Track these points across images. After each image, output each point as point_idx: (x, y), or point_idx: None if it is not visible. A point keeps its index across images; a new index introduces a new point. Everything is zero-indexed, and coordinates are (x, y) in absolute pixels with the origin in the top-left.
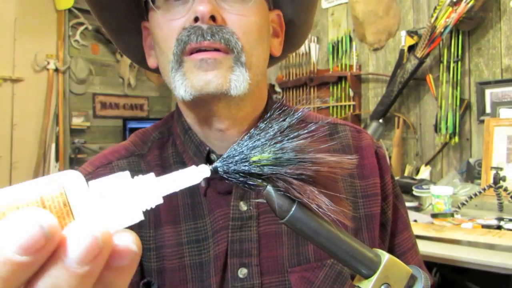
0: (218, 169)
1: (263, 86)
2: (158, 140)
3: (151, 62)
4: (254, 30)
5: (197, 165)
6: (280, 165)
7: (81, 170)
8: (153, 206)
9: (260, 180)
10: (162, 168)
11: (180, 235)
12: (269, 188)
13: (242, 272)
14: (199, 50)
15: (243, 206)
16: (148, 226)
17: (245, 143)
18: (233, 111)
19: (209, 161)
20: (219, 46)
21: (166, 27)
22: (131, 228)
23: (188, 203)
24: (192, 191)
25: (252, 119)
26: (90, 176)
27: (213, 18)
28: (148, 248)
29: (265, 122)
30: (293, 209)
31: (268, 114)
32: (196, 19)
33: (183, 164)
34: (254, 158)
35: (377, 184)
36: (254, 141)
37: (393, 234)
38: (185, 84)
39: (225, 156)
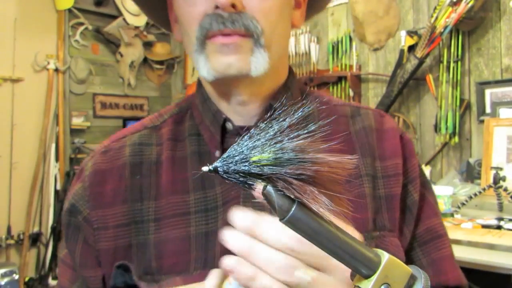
0: (218, 169)
1: (285, 60)
2: (177, 114)
3: (177, 35)
4: (274, 11)
5: (213, 136)
6: (280, 165)
7: (100, 145)
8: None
9: (260, 180)
10: (175, 142)
11: (187, 204)
12: (269, 188)
13: None
14: (220, 34)
15: None
16: (149, 198)
17: (245, 143)
18: (254, 87)
19: (224, 130)
20: (239, 32)
21: (188, 13)
22: (124, 201)
23: (197, 173)
24: (202, 160)
25: (271, 92)
26: (105, 149)
27: (233, 5)
28: (147, 220)
29: (265, 122)
30: (293, 209)
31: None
32: (217, 6)
33: (198, 136)
34: (254, 158)
35: (398, 165)
36: (254, 141)
37: (419, 219)
38: (207, 66)
39: (225, 156)
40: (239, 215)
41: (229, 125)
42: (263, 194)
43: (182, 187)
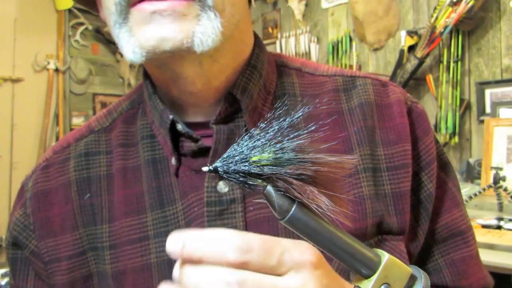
0: (218, 169)
1: (245, 27)
2: (127, 111)
3: (101, 13)
4: None
5: (164, 138)
6: (280, 165)
7: (42, 157)
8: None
9: (260, 180)
10: (126, 148)
11: (145, 227)
12: (269, 188)
13: None
14: None
15: (224, 187)
16: (101, 221)
17: (245, 143)
18: (206, 66)
19: (174, 133)
20: None
21: None
22: (75, 227)
23: (153, 187)
24: (158, 170)
25: (232, 71)
26: (46, 163)
27: None
28: (102, 247)
29: (265, 122)
30: (293, 209)
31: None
32: None
33: (152, 138)
34: (254, 158)
35: (407, 152)
36: (254, 141)
37: (437, 213)
38: (131, 43)
39: (225, 156)
40: (169, 241)
41: (179, 127)
42: (263, 194)
43: (137, 205)
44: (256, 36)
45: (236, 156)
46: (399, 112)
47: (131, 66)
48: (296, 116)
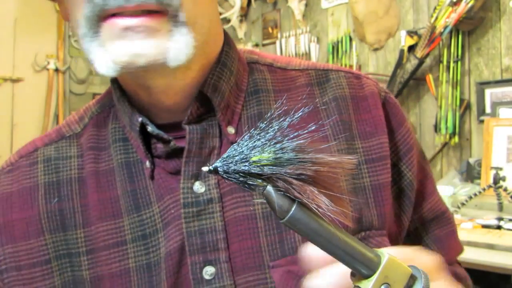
0: (218, 169)
1: (216, 29)
2: (98, 115)
3: (62, 11)
4: None
5: (136, 142)
6: (280, 165)
7: (6, 161)
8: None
9: (260, 180)
10: (97, 151)
11: (122, 231)
12: (269, 188)
13: (209, 271)
14: (120, 12)
15: (200, 187)
16: (74, 226)
17: (245, 143)
18: (179, 75)
19: (145, 135)
20: (149, 7)
21: None
22: (40, 232)
23: (128, 191)
24: (133, 173)
25: (202, 72)
26: (10, 167)
27: None
28: (77, 253)
29: (265, 122)
30: (293, 209)
31: (269, 114)
32: None
33: (124, 142)
34: (254, 158)
35: (383, 144)
36: (254, 141)
37: (422, 198)
38: (105, 58)
39: (225, 156)
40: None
41: (149, 129)
42: (263, 194)
43: (112, 209)
44: (225, 33)
45: (236, 156)
46: (374, 104)
47: None
48: (297, 116)
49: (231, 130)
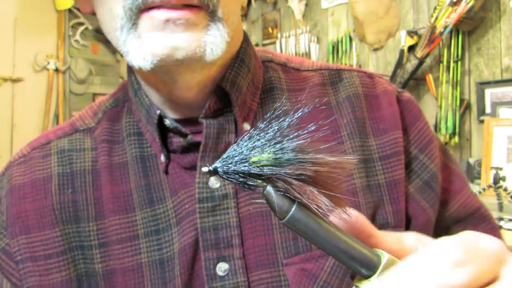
0: (218, 169)
1: (239, 27)
2: (111, 109)
3: (83, 5)
4: None
5: (152, 135)
6: (280, 166)
7: (18, 153)
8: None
9: (260, 181)
10: (111, 144)
11: (134, 226)
12: (269, 188)
13: (222, 268)
14: (161, 5)
15: (215, 183)
16: (87, 218)
17: (245, 143)
18: (205, 71)
19: (162, 128)
20: (191, 1)
21: None
22: (54, 223)
23: (142, 185)
24: (147, 168)
25: (221, 67)
26: (23, 159)
27: None
28: (89, 246)
29: (264, 122)
30: (293, 209)
31: (269, 114)
32: None
33: (139, 136)
34: (254, 159)
35: (398, 139)
36: (254, 142)
37: (450, 195)
38: (143, 50)
39: (224, 156)
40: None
41: (167, 122)
42: (263, 194)
43: (125, 203)
44: (243, 30)
45: (235, 156)
46: (387, 101)
47: None
48: (296, 116)
49: (247, 126)
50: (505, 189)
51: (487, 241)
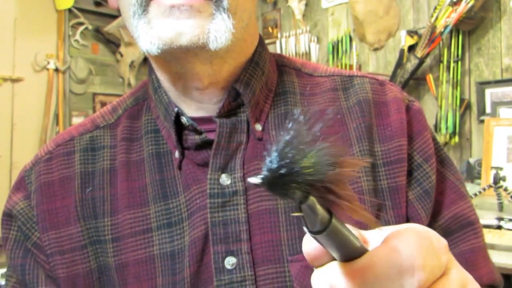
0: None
1: (253, 28)
2: (132, 107)
3: (112, 0)
4: None
5: (169, 131)
6: (320, 172)
7: (43, 148)
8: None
9: (300, 191)
10: (129, 142)
11: (148, 219)
12: (311, 198)
13: (230, 262)
14: None
15: (226, 180)
16: (103, 214)
17: (280, 149)
18: (216, 66)
19: (179, 125)
20: None
21: None
22: (77, 219)
23: (156, 180)
24: (162, 163)
25: (235, 70)
26: (49, 156)
27: None
28: (105, 240)
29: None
30: (333, 220)
31: (294, 114)
32: None
33: (156, 133)
34: (304, 165)
35: (402, 147)
36: (290, 149)
37: (442, 207)
38: (150, 34)
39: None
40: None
41: (184, 119)
42: (302, 204)
43: (140, 198)
44: (259, 35)
45: (277, 165)
46: (396, 108)
47: (131, 66)
48: (327, 118)
49: (258, 127)
50: (505, 189)
51: (437, 236)
